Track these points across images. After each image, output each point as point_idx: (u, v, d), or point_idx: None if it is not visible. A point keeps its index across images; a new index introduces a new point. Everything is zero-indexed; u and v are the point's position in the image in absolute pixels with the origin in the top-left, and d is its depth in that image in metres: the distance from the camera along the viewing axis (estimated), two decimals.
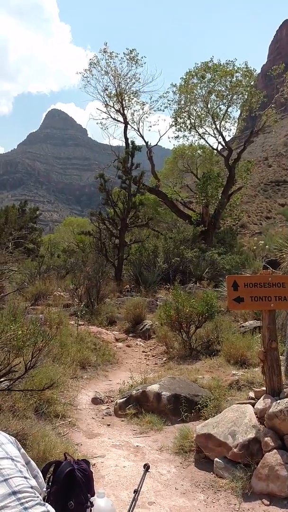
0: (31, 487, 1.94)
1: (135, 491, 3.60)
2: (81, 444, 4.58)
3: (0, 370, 4.27)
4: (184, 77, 24.54)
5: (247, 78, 23.82)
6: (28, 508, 1.78)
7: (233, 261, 17.67)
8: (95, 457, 4.27)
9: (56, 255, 23.62)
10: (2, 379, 4.36)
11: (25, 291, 12.10)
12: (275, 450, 3.72)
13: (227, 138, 26.68)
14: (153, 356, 8.74)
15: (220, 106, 24.67)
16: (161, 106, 27.21)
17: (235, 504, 3.55)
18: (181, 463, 4.27)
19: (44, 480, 2.62)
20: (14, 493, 1.79)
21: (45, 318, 8.33)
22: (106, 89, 23.87)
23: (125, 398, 5.75)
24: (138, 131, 25.05)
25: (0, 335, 4.50)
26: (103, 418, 5.55)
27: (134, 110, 26.44)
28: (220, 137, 25.16)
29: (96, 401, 6.05)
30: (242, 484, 3.71)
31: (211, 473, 4.02)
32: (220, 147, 26.25)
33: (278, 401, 3.99)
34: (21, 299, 10.91)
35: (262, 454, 3.79)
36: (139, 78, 23.95)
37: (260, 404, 4.25)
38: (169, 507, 3.50)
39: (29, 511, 1.78)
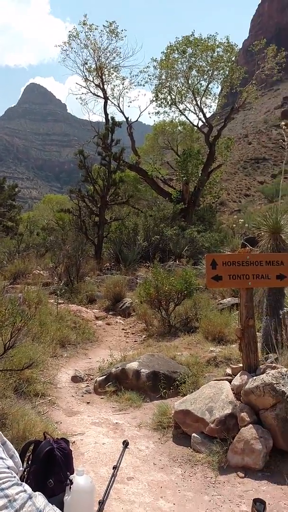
0: (8, 468, 1.94)
1: (114, 467, 3.66)
2: (61, 422, 4.62)
3: None
4: (165, 51, 24.18)
5: (228, 54, 23.60)
6: (5, 489, 1.78)
7: (212, 239, 17.80)
8: (75, 434, 4.32)
9: (35, 233, 23.38)
10: None
11: (3, 270, 12.00)
12: (250, 425, 3.82)
13: (208, 115, 26.59)
14: (132, 333, 8.80)
15: (201, 82, 24.50)
16: (141, 81, 26.87)
17: (211, 477, 3.65)
18: (159, 439, 4.35)
19: (24, 459, 2.64)
20: None
21: (24, 298, 8.27)
22: (86, 63, 23.43)
23: (104, 376, 5.80)
24: (118, 106, 24.76)
25: None
26: (82, 396, 5.59)
27: (114, 85, 26.10)
28: (200, 113, 25.03)
29: (75, 379, 6.08)
30: (219, 458, 3.80)
31: (189, 448, 4.11)
32: (200, 123, 26.12)
33: (254, 377, 4.07)
34: (0, 278, 10.81)
35: (238, 429, 3.89)
36: (119, 52, 23.60)
37: (236, 381, 4.34)
38: (147, 482, 3.58)
39: (6, 492, 1.79)
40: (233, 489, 3.48)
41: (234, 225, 19.96)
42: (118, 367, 5.77)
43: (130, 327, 9.24)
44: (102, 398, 5.50)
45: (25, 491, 1.87)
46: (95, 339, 8.24)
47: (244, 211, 35.62)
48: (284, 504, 3.21)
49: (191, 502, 3.33)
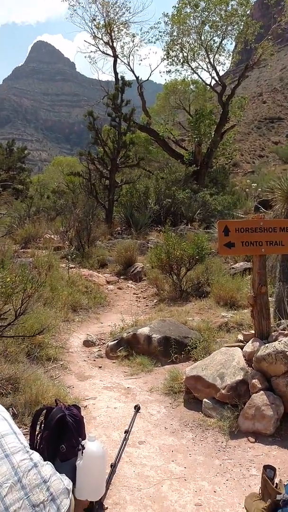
0: (15, 434, 1.95)
1: (126, 431, 3.72)
2: (73, 387, 4.67)
3: None
4: (177, 5, 23.19)
5: (243, 7, 22.52)
6: (9, 455, 1.80)
7: (225, 202, 17.58)
8: (87, 399, 4.37)
9: (46, 196, 23.26)
10: None
11: (14, 234, 12.01)
12: (262, 392, 3.82)
13: (221, 73, 25.71)
14: (144, 298, 8.82)
15: (214, 38, 23.51)
16: (152, 38, 26.14)
17: (222, 442, 3.68)
18: (170, 403, 4.39)
19: (36, 424, 2.67)
20: None
21: (35, 263, 8.28)
22: (94, 19, 22.70)
23: (116, 341, 5.83)
24: (128, 65, 24.11)
25: None
26: (94, 360, 5.64)
27: (124, 43, 25.38)
28: (213, 71, 24.17)
29: (87, 343, 6.13)
30: (229, 423, 3.83)
31: (200, 413, 4.14)
32: (213, 82, 25.30)
33: (267, 344, 4.05)
34: (11, 243, 10.82)
35: (249, 395, 3.90)
36: (129, 7, 22.92)
37: (248, 347, 4.33)
38: (158, 446, 3.63)
39: (10, 458, 1.80)
40: (243, 453, 3.51)
41: (247, 190, 19.64)
42: (129, 332, 5.79)
43: (142, 291, 9.25)
44: (114, 363, 5.55)
45: (30, 459, 1.87)
46: (107, 304, 8.27)
47: (258, 172, 34.97)
48: None
49: (202, 466, 3.38)
